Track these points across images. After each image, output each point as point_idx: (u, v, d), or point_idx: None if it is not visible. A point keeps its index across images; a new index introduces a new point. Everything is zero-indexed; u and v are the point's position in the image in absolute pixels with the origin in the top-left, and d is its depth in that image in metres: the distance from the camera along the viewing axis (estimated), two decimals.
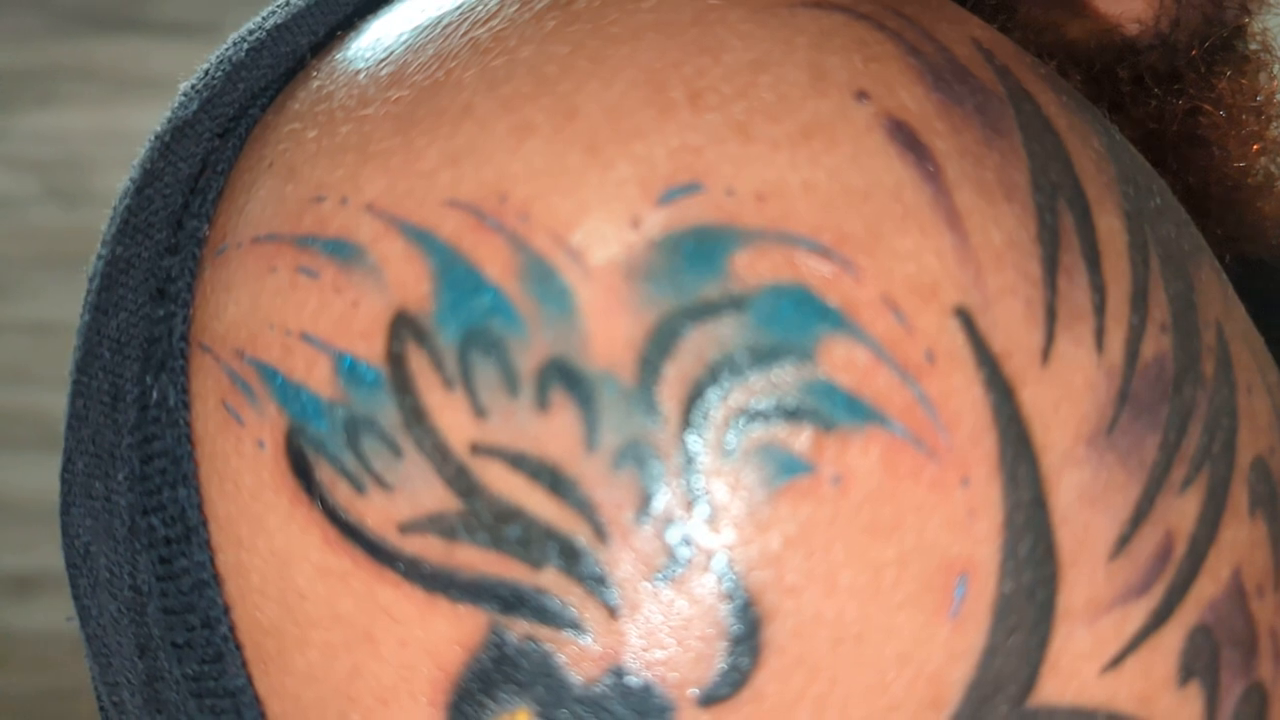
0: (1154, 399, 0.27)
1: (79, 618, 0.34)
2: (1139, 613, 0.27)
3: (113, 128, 2.44)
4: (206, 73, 0.33)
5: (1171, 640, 0.27)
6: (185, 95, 0.33)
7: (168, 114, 0.33)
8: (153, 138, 0.33)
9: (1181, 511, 0.27)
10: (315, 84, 0.30)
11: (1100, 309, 0.27)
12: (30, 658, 2.41)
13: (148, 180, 0.32)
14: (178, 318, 0.30)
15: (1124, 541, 0.27)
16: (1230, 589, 0.28)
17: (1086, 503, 0.27)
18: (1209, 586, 0.28)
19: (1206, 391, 0.28)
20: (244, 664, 0.29)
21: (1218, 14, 0.40)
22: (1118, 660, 0.27)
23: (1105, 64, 0.39)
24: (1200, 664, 0.28)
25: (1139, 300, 0.28)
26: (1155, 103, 0.39)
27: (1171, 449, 0.27)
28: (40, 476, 2.38)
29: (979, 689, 0.26)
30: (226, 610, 0.29)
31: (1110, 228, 0.28)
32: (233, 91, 0.32)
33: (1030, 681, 0.26)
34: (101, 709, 0.35)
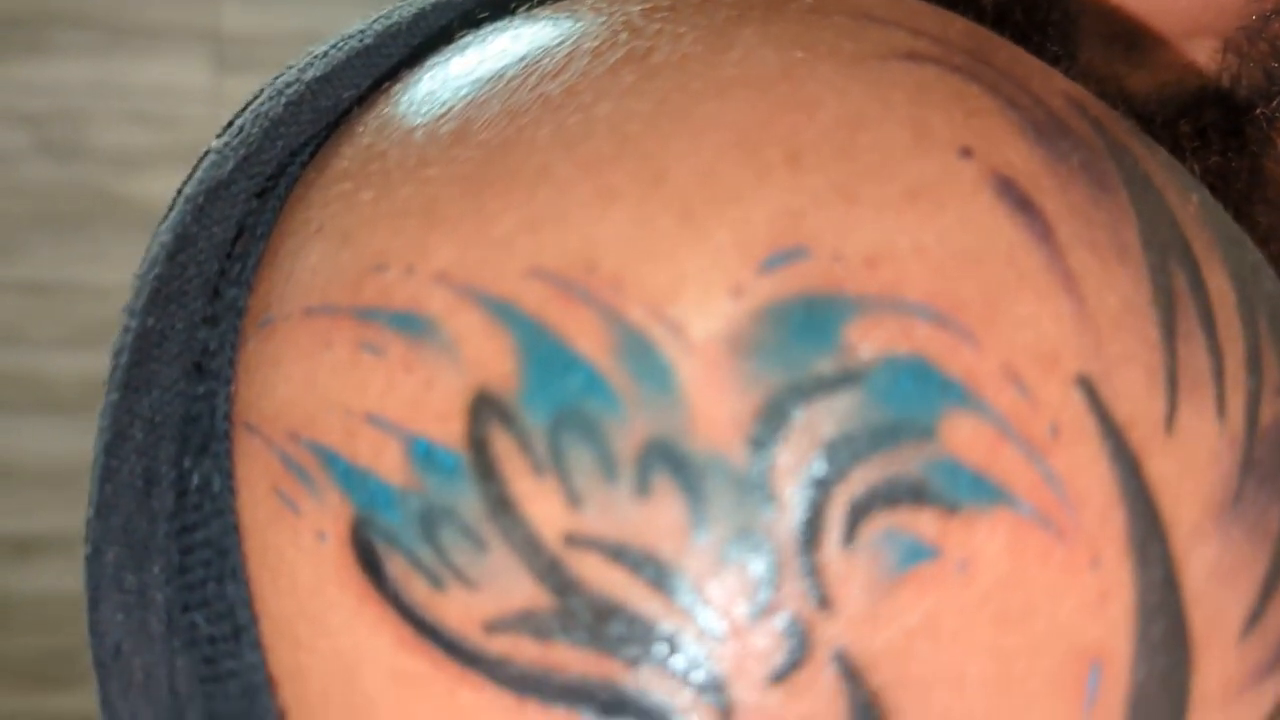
0: (1275, 466, 0.26)
1: None
2: (1272, 691, 0.26)
3: (108, 79, 2.40)
4: (241, 129, 0.31)
5: None
6: (218, 154, 0.31)
7: (199, 174, 0.31)
8: (184, 200, 0.31)
9: None
10: (365, 141, 0.28)
11: (1219, 374, 0.26)
12: (31, 619, 2.41)
13: (180, 246, 0.30)
14: (219, 395, 0.28)
15: (1255, 619, 0.26)
16: None
17: (1216, 580, 0.25)
18: None
19: None
20: None
21: None
22: None
23: (1167, 117, 0.37)
24: None
25: (1253, 363, 0.26)
26: (1217, 158, 0.37)
27: None
28: (38, 439, 2.38)
29: None
30: (281, 717, 0.27)
31: (1220, 288, 0.26)
32: (270, 149, 0.30)
33: None
34: None
